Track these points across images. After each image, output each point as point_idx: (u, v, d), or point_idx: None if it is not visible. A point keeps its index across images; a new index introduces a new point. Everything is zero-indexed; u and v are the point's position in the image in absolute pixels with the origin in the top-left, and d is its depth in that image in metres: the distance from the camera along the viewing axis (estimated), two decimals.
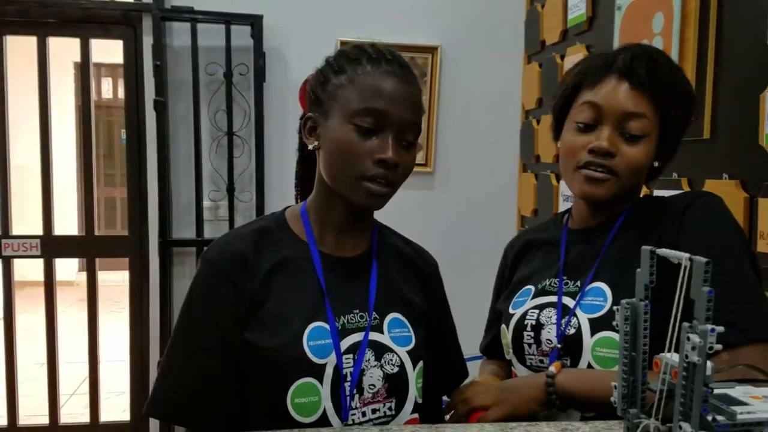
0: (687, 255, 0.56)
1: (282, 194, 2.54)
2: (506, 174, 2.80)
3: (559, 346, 1.00)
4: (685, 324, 0.55)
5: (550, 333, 1.02)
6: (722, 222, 0.96)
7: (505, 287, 1.20)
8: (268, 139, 2.57)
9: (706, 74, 1.47)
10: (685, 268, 0.55)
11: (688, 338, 0.54)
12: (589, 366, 0.97)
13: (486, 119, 2.78)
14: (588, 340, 0.97)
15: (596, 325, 0.97)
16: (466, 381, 1.13)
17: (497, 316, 1.19)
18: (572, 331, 0.99)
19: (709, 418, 0.55)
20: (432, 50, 2.67)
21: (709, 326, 0.53)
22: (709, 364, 0.55)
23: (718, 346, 0.54)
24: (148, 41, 2.52)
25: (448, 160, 2.78)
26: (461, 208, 2.79)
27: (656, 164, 1.06)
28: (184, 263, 2.63)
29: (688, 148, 1.55)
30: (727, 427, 0.56)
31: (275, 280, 0.96)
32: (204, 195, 2.60)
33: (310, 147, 1.00)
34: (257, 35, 2.51)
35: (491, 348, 1.22)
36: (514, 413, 0.98)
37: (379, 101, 0.93)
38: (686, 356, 0.54)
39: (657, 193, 1.56)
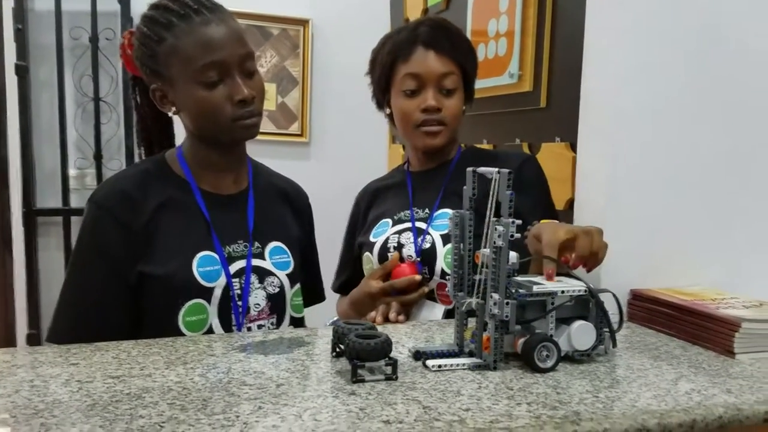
0: (496, 170, 0.72)
1: None
2: (377, 144, 2.96)
3: (418, 258, 1.21)
4: (494, 219, 0.72)
5: (410, 250, 1.24)
6: (542, 176, 1.31)
7: (360, 227, 1.40)
8: None
9: (543, 51, 1.70)
10: (496, 180, 0.72)
11: (496, 228, 0.71)
12: (443, 271, 1.19)
13: (357, 92, 2.88)
14: (441, 250, 1.21)
15: (446, 239, 1.21)
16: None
17: (352, 256, 1.38)
18: (427, 245, 1.22)
19: (513, 290, 0.73)
20: (303, 23, 2.76)
21: (511, 219, 0.70)
22: (512, 253, 0.72)
23: (518, 236, 0.71)
24: (8, 4, 2.41)
25: (323, 131, 2.90)
26: (335, 176, 2.90)
27: (463, 108, 1.33)
28: (50, 233, 2.55)
29: (528, 116, 1.77)
30: (525, 296, 0.73)
31: (163, 217, 1.05)
32: (70, 163, 2.53)
33: (170, 113, 1.09)
34: (124, 0, 2.47)
35: (345, 285, 1.41)
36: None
37: (210, 54, 0.99)
38: (494, 242, 0.71)
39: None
